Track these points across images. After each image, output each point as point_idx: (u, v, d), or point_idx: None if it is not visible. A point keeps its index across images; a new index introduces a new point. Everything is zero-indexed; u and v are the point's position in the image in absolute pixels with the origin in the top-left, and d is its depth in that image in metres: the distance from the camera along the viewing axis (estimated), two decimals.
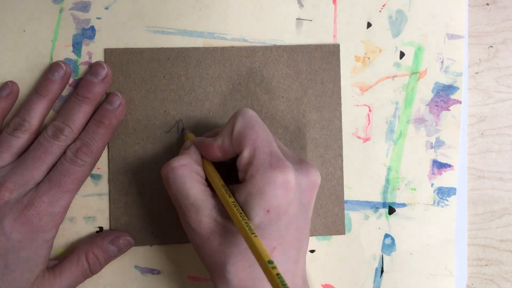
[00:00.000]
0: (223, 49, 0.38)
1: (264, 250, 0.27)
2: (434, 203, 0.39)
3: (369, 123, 0.39)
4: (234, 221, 0.29)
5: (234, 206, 0.30)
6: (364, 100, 0.39)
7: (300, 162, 0.32)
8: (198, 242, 0.31)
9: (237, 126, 0.31)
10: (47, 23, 0.36)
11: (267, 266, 0.26)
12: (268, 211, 0.30)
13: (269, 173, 0.30)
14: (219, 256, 0.30)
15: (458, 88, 0.40)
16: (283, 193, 0.30)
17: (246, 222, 0.28)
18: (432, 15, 0.39)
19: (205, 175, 0.33)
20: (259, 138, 0.31)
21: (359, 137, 0.39)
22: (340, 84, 0.39)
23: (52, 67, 0.36)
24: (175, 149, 0.37)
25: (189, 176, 0.32)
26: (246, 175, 0.31)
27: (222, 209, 0.31)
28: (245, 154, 0.31)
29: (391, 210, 0.39)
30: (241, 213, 0.29)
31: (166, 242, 0.37)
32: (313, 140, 0.38)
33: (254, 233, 0.28)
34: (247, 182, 0.30)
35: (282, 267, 0.30)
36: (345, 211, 0.39)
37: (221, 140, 0.32)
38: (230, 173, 0.33)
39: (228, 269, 0.30)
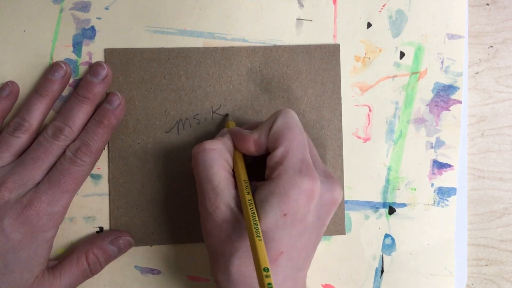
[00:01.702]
0: (223, 49, 0.38)
1: (264, 256, 0.27)
2: (434, 203, 0.39)
3: (369, 123, 0.39)
4: (244, 219, 0.29)
5: (249, 205, 0.29)
6: (364, 100, 0.39)
7: (327, 176, 0.32)
8: (209, 228, 0.31)
9: (277, 123, 0.31)
10: (47, 23, 0.36)
11: (261, 273, 0.26)
12: (285, 214, 0.29)
13: (297, 178, 0.30)
14: (227, 246, 0.30)
15: (458, 88, 0.40)
16: (305, 200, 0.30)
17: (255, 224, 0.28)
18: (432, 15, 0.39)
19: (233, 165, 0.33)
20: (295, 141, 0.31)
21: (359, 137, 0.39)
22: (340, 84, 0.39)
23: (52, 67, 0.36)
24: (175, 148, 0.37)
25: (217, 161, 0.31)
26: (273, 174, 0.31)
27: (240, 202, 0.31)
28: (278, 152, 0.31)
29: (391, 210, 0.39)
30: (253, 213, 0.29)
31: (166, 242, 0.37)
32: (313, 140, 0.38)
33: (259, 237, 0.28)
34: (272, 180, 0.30)
35: (284, 273, 0.30)
36: (345, 211, 0.39)
37: (258, 134, 0.32)
38: (253, 170, 0.33)
39: (232, 261, 0.30)
